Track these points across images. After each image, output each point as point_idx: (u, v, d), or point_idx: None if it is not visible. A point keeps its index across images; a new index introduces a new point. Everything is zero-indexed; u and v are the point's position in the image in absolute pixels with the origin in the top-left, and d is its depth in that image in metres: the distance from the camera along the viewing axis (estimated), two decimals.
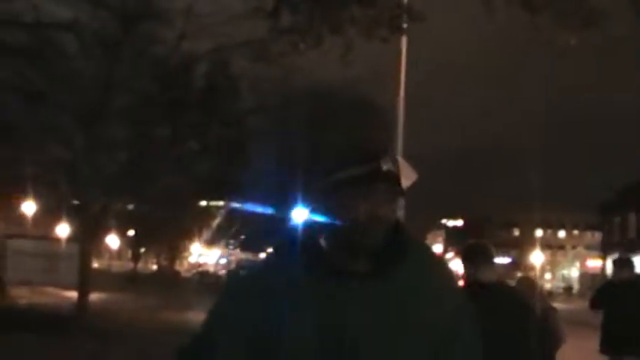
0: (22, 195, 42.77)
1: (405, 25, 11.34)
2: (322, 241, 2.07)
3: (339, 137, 2.16)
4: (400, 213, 9.17)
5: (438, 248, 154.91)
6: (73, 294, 17.10)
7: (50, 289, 25.71)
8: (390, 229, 2.03)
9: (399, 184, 2.04)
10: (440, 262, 2.27)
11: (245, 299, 2.08)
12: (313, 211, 2.11)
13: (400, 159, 2.06)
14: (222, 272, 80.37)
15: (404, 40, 14.99)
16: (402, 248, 2.06)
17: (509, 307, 4.50)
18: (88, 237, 10.81)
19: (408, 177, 2.06)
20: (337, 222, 2.02)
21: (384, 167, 2.01)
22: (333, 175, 2.04)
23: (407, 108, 22.45)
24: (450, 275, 2.20)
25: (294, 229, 2.18)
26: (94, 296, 21.69)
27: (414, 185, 2.11)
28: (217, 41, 12.84)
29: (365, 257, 2.02)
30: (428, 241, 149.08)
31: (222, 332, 2.09)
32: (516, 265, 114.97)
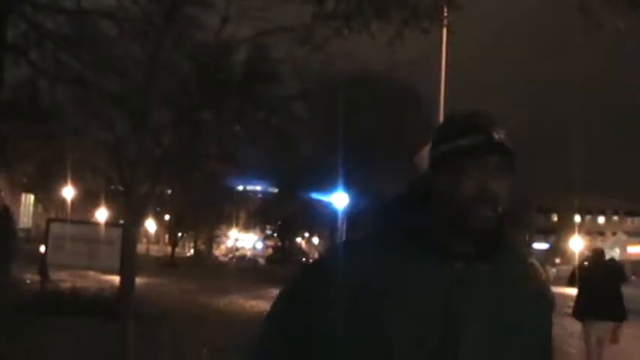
0: (63, 179, 43.38)
1: (445, 16, 11.23)
2: (420, 222, 1.89)
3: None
4: None
5: None
6: (114, 278, 17.27)
7: (91, 273, 25.99)
8: (498, 210, 1.86)
9: (512, 158, 1.88)
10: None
11: (332, 299, 1.86)
12: (402, 193, 1.98)
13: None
14: (259, 256, 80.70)
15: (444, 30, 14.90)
16: (504, 232, 1.92)
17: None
18: (132, 221, 10.83)
19: None
20: (444, 199, 1.86)
21: (496, 137, 1.84)
22: (436, 148, 1.88)
23: (447, 93, 22.44)
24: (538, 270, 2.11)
25: (383, 212, 2.00)
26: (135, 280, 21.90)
27: None
28: (259, 26, 12.78)
29: (471, 238, 1.86)
30: None
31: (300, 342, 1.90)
32: (554, 251, 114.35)
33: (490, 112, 1.91)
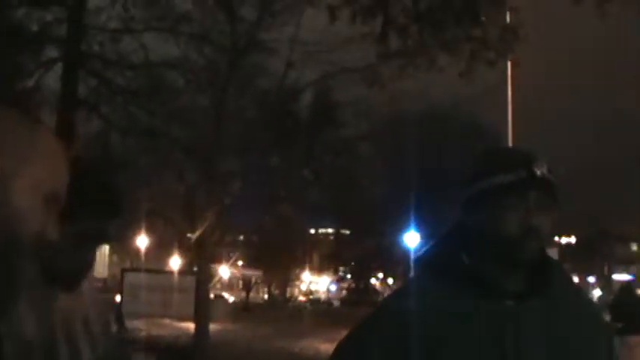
0: (137, 230, 44.04)
1: (512, 49, 11.17)
2: (467, 260, 1.88)
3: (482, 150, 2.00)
4: None
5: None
6: (189, 325, 17.37)
7: (166, 321, 26.19)
8: (542, 245, 1.85)
9: (555, 192, 1.86)
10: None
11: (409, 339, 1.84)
12: (456, 228, 1.94)
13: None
14: (334, 300, 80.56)
15: (509, 63, 14.82)
16: (551, 264, 1.90)
17: None
18: (204, 268, 10.88)
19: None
20: (487, 237, 1.84)
21: (538, 172, 1.82)
22: (475, 184, 1.86)
23: (515, 126, 22.22)
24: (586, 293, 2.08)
25: (436, 252, 1.97)
26: (210, 326, 21.98)
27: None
28: (324, 69, 12.85)
29: (518, 274, 1.85)
30: None
31: None
32: (637, 282, 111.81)
33: (531, 148, 1.92)
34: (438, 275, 1.89)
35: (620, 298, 15.49)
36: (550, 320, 1.84)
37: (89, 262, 2.04)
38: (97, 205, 1.96)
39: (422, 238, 30.59)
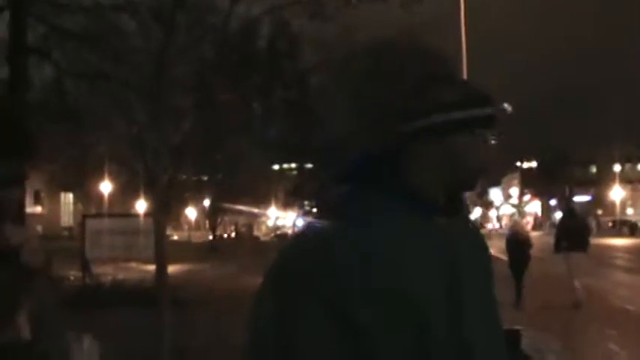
0: (98, 176, 43.82)
1: None
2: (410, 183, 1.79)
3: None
4: None
5: (514, 192, 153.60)
6: (154, 267, 17.46)
7: (133, 265, 26.30)
8: None
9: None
10: None
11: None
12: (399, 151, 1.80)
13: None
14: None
15: None
16: None
17: None
18: (160, 210, 10.89)
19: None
20: (440, 164, 1.79)
21: (508, 110, 1.88)
22: (442, 113, 1.77)
23: (470, 55, 22.23)
24: None
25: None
26: (175, 268, 22.10)
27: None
28: (271, 2, 12.73)
29: (453, 197, 1.83)
30: (503, 185, 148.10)
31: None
32: (596, 202, 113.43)
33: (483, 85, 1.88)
34: (377, 198, 1.78)
35: (564, 220, 18.32)
36: (467, 237, 1.87)
37: (10, 202, 2.04)
38: (4, 147, 1.96)
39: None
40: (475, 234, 1.96)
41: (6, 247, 2.05)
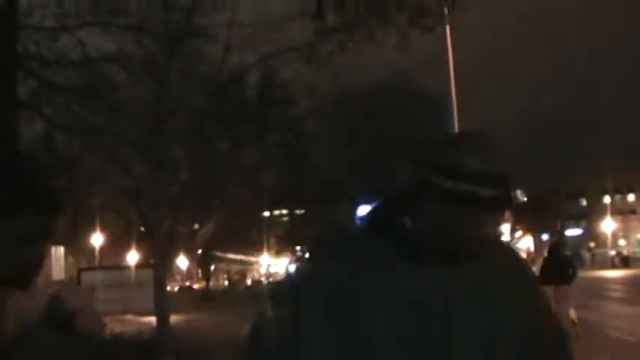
0: (90, 228, 43.58)
1: (446, 13, 11.24)
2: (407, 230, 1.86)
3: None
4: None
5: (505, 229, 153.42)
6: (151, 319, 17.27)
7: (128, 317, 26.04)
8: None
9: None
10: None
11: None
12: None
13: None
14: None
15: (447, 28, 14.92)
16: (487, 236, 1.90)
17: None
18: (160, 260, 10.83)
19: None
20: (434, 224, 1.82)
21: (514, 197, 1.85)
22: (454, 180, 1.78)
23: (459, 91, 22.43)
24: None
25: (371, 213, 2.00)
26: (172, 319, 21.93)
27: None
28: (263, 50, 12.79)
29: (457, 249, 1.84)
30: None
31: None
32: (588, 235, 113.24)
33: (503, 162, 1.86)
34: (370, 236, 1.93)
35: (549, 257, 18.70)
36: (481, 284, 1.88)
37: (37, 259, 2.01)
38: (38, 201, 1.94)
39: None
40: (511, 279, 1.96)
41: (60, 312, 2.02)
